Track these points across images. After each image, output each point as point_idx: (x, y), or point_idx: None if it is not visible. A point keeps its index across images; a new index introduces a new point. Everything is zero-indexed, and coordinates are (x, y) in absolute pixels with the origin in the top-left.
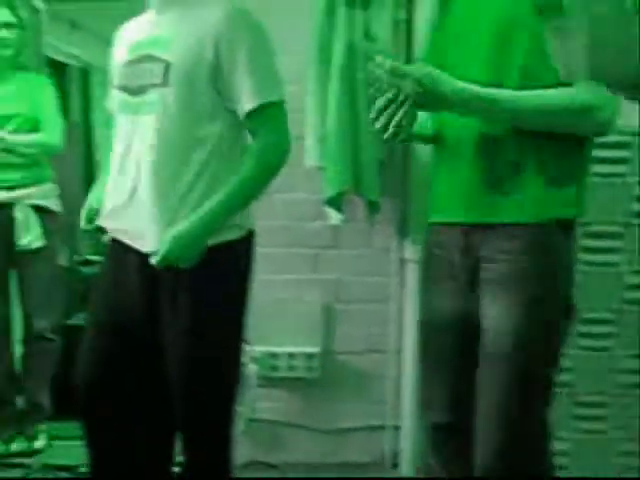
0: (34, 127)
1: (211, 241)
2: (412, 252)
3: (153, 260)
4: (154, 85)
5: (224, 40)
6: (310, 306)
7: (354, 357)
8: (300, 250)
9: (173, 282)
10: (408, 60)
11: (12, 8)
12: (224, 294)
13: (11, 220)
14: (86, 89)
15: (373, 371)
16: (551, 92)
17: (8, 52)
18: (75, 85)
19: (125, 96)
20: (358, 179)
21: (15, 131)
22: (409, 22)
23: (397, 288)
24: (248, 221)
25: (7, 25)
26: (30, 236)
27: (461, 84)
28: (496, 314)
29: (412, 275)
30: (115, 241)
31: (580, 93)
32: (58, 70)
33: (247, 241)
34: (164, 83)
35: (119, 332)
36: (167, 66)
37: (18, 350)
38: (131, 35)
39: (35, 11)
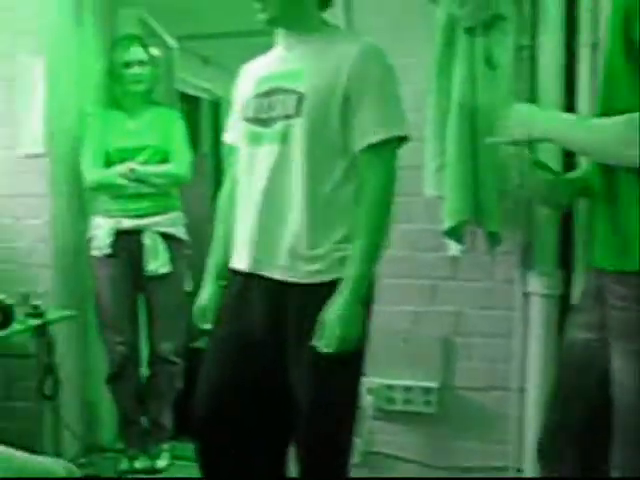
0: (164, 158)
1: (337, 274)
2: (536, 285)
3: (321, 347)
4: (287, 116)
5: (356, 73)
6: (428, 339)
7: (474, 393)
8: (418, 281)
9: (299, 311)
10: (532, 88)
11: (144, 46)
12: None
13: (140, 246)
14: (216, 121)
15: (494, 409)
16: None
17: (141, 87)
18: (206, 118)
19: (255, 128)
20: (478, 209)
21: (146, 162)
22: (533, 48)
23: (520, 322)
24: None
25: (140, 62)
26: (158, 262)
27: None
28: (620, 366)
29: (536, 309)
30: (237, 270)
31: None
32: (191, 103)
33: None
34: (296, 114)
35: (240, 359)
36: (300, 97)
37: (144, 372)
38: (258, 70)
39: (168, 48)
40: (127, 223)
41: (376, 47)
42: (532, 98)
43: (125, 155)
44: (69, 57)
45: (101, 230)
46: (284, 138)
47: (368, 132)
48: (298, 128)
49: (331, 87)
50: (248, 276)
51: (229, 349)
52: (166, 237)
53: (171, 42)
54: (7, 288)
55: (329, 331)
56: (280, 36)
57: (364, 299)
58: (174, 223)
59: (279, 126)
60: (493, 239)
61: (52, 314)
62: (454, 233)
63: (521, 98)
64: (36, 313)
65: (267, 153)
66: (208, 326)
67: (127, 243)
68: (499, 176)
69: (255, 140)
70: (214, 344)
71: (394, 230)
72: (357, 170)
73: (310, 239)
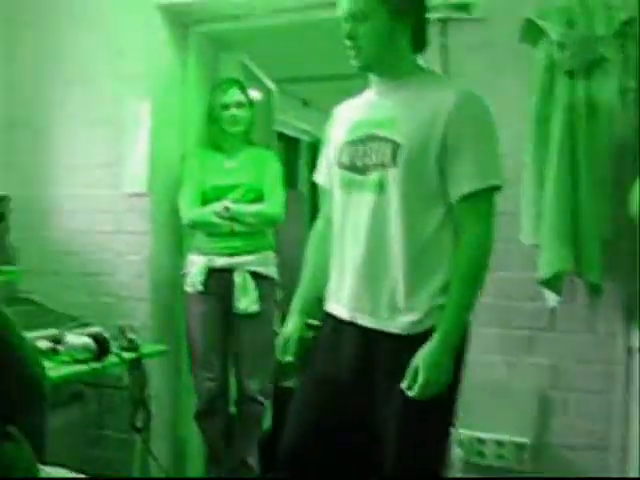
0: (257, 197)
1: (433, 322)
2: None
3: (408, 391)
4: (383, 165)
5: (454, 122)
6: (522, 392)
7: (571, 452)
8: (514, 331)
9: (393, 359)
10: (638, 133)
11: (242, 89)
12: None
13: (231, 285)
14: (315, 163)
15: (592, 469)
16: None
17: (238, 129)
18: (305, 159)
19: (348, 174)
20: (578, 259)
21: (239, 200)
22: (638, 91)
23: (623, 378)
24: None
25: (238, 104)
26: (247, 301)
27: None
28: None
29: None
30: (330, 314)
31: None
32: (290, 144)
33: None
34: (393, 163)
35: (329, 402)
36: (395, 147)
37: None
38: (352, 114)
39: (267, 91)
40: (219, 261)
41: (473, 94)
42: (638, 144)
43: (220, 193)
44: (173, 100)
45: (195, 267)
46: (380, 187)
47: (464, 182)
48: (394, 178)
49: (428, 136)
50: (343, 321)
51: (318, 391)
52: (257, 276)
53: (270, 85)
54: (105, 320)
55: (417, 377)
56: (373, 81)
57: (456, 348)
58: (266, 262)
59: (375, 175)
60: (594, 290)
61: (146, 348)
62: (552, 283)
63: (625, 145)
64: (131, 347)
65: (363, 202)
66: (289, 359)
67: (219, 281)
68: (601, 225)
69: (350, 187)
70: (304, 385)
71: (490, 278)
72: (453, 217)
73: (408, 289)
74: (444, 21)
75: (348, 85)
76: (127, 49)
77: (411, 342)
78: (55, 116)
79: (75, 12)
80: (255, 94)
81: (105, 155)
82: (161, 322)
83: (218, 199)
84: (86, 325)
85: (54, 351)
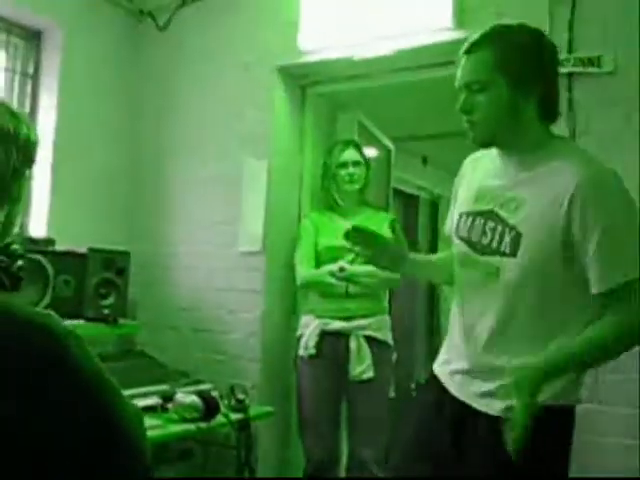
0: None
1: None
2: None
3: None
4: (502, 253)
5: (577, 208)
6: None
7: None
8: None
9: (489, 438)
10: None
11: (358, 148)
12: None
13: (345, 349)
14: (434, 220)
15: None
16: None
17: (354, 187)
18: (424, 216)
19: (467, 249)
20: None
21: (355, 261)
22: None
23: None
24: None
25: (354, 163)
26: (362, 366)
27: None
28: None
29: None
30: (438, 379)
31: None
32: (409, 202)
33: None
34: (512, 253)
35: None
36: (517, 235)
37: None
38: (478, 175)
39: (385, 149)
40: (333, 325)
41: (599, 170)
42: None
43: (334, 254)
44: (289, 160)
45: (308, 330)
46: (496, 274)
47: (594, 282)
48: (516, 268)
49: (551, 229)
50: (445, 391)
51: (416, 453)
52: (372, 341)
53: (388, 143)
54: (216, 378)
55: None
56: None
57: (546, 379)
58: (381, 327)
59: (493, 260)
60: None
61: (255, 410)
62: None
63: None
64: (240, 407)
65: (478, 282)
66: None
67: (332, 345)
68: None
69: (466, 263)
70: (404, 451)
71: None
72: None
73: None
74: (571, 75)
75: (467, 142)
76: (246, 110)
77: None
78: (175, 174)
79: (196, 76)
80: (372, 153)
81: (222, 213)
82: (272, 383)
83: (333, 260)
84: (197, 382)
85: (163, 408)
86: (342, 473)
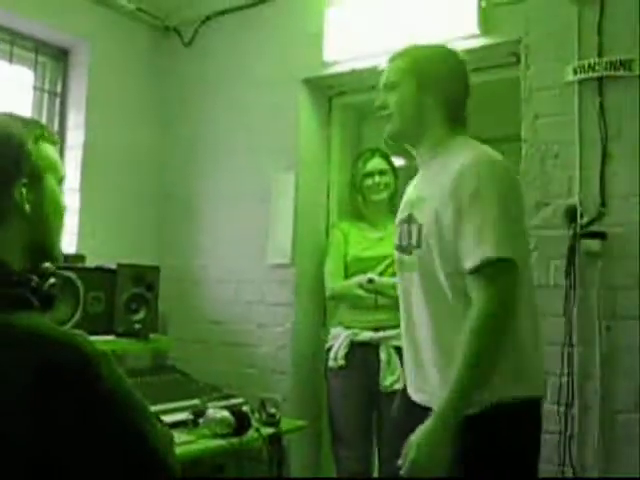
0: None
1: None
2: None
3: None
4: (415, 247)
5: (457, 190)
6: None
7: None
8: None
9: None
10: None
11: (385, 157)
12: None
13: (375, 360)
14: None
15: None
16: None
17: (382, 196)
18: None
19: (399, 254)
20: None
21: (384, 273)
22: None
23: None
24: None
25: (381, 172)
26: (392, 377)
27: None
28: None
29: None
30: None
31: None
32: None
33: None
34: (418, 245)
35: None
36: (419, 228)
37: None
38: (409, 188)
39: (413, 158)
40: (363, 335)
41: (481, 157)
42: None
43: (362, 265)
44: (317, 172)
45: (337, 341)
46: (413, 267)
47: (465, 256)
48: (420, 256)
49: (438, 217)
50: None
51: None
52: (401, 351)
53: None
54: (247, 391)
55: (407, 454)
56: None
57: (451, 429)
58: None
59: (413, 256)
60: None
61: (286, 424)
62: None
63: None
64: (271, 422)
65: (410, 281)
66: None
67: (362, 356)
68: None
69: (400, 267)
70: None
71: None
72: None
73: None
74: (601, 79)
75: (495, 149)
76: (272, 124)
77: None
78: (203, 188)
79: (223, 90)
80: (400, 162)
81: (251, 226)
82: (303, 396)
83: (362, 271)
84: (228, 397)
85: (195, 423)
86: None
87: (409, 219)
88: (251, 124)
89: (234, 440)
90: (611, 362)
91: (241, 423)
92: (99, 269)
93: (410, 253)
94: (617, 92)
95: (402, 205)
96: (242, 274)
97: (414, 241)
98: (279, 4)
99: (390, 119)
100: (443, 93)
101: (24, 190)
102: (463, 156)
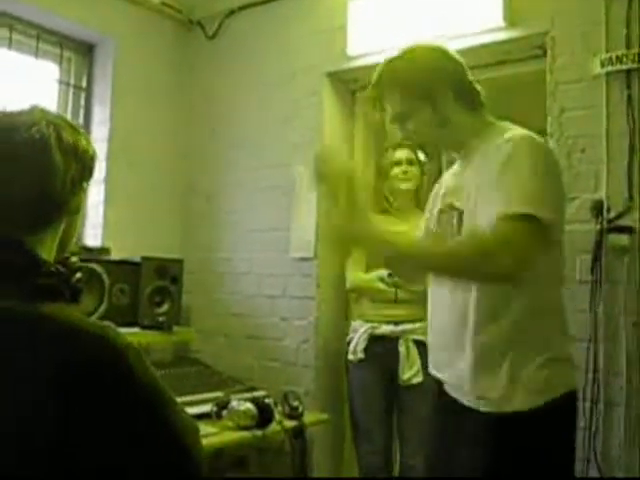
0: None
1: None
2: None
3: None
4: (454, 234)
5: (499, 164)
6: None
7: None
8: None
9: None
10: None
11: (412, 148)
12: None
13: (395, 354)
14: None
15: None
16: None
17: (409, 185)
18: None
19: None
20: None
21: None
22: None
23: None
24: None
25: (410, 161)
26: (411, 371)
27: None
28: None
29: None
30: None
31: None
32: None
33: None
34: (458, 232)
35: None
36: (459, 215)
37: None
38: (447, 177)
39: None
40: (382, 329)
41: (520, 135)
42: None
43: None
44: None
45: (357, 334)
46: None
47: (501, 201)
48: None
49: (486, 194)
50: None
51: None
52: (421, 345)
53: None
54: (270, 384)
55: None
56: None
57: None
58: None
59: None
60: None
61: (309, 417)
62: None
63: None
64: (294, 414)
65: None
66: None
67: (382, 349)
68: None
69: None
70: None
71: None
72: None
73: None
74: (629, 72)
75: None
76: (296, 117)
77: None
78: (226, 181)
79: (246, 83)
80: (423, 156)
81: (274, 219)
82: (326, 389)
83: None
84: (251, 389)
85: (218, 415)
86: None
87: (450, 207)
88: (274, 118)
89: (257, 433)
90: (637, 359)
91: (264, 416)
92: (124, 262)
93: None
94: None
95: (440, 195)
96: (265, 267)
97: (455, 229)
98: None
99: (423, 143)
100: (450, 88)
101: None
102: (501, 139)
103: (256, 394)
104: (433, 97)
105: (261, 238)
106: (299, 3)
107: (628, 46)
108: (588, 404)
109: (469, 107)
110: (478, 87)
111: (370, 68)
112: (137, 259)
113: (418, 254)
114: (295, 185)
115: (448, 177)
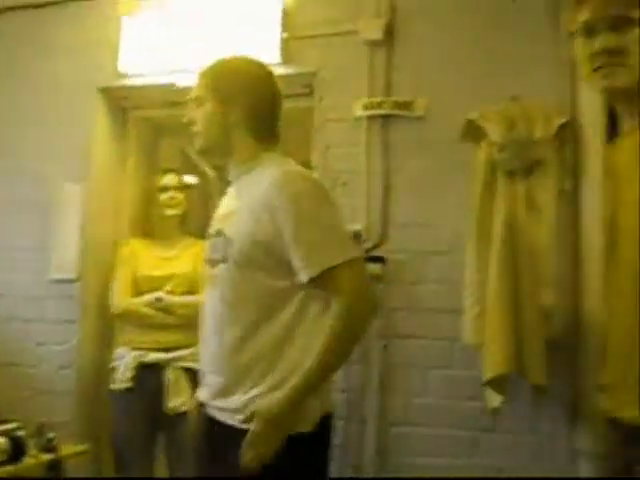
0: (191, 289)
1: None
2: (584, 442)
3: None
4: (220, 261)
5: (268, 208)
6: None
7: None
8: (456, 432)
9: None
10: (576, 232)
11: (179, 174)
12: None
13: (162, 382)
14: None
15: None
16: None
17: (175, 212)
18: None
19: (207, 268)
20: (521, 360)
21: (172, 292)
22: (575, 193)
23: None
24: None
25: (175, 188)
26: (179, 399)
27: None
28: None
29: (585, 469)
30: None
31: None
32: None
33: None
34: (224, 260)
35: None
36: (227, 242)
37: None
38: (222, 202)
39: (206, 177)
40: (150, 357)
41: (290, 174)
42: (575, 241)
43: (152, 283)
44: (107, 185)
45: (123, 362)
46: (219, 281)
47: (304, 268)
48: (223, 271)
49: (251, 231)
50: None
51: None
52: (190, 372)
53: (209, 171)
54: (24, 415)
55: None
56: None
57: (279, 424)
58: (198, 358)
59: (215, 270)
60: (538, 390)
61: (66, 449)
62: (494, 384)
63: (564, 241)
64: (50, 447)
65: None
66: None
67: (148, 377)
68: (544, 323)
69: (207, 280)
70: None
71: (432, 377)
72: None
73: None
74: (386, 117)
75: None
76: (63, 132)
77: None
78: None
79: (8, 86)
80: (191, 180)
81: (30, 238)
82: (87, 418)
83: (152, 290)
84: (3, 422)
85: None
86: None
87: (218, 233)
88: (39, 131)
89: (9, 468)
90: (387, 378)
91: (17, 449)
92: None
93: (217, 267)
94: (400, 129)
95: (213, 220)
96: (20, 289)
97: (220, 255)
98: (72, 7)
99: (198, 135)
100: (248, 108)
101: None
102: (274, 170)
103: (8, 426)
104: (229, 100)
105: (17, 258)
106: (70, 12)
107: (387, 93)
108: (342, 422)
109: (257, 132)
110: (278, 122)
111: (141, 88)
112: None
113: (317, 368)
114: (58, 202)
115: (223, 202)
